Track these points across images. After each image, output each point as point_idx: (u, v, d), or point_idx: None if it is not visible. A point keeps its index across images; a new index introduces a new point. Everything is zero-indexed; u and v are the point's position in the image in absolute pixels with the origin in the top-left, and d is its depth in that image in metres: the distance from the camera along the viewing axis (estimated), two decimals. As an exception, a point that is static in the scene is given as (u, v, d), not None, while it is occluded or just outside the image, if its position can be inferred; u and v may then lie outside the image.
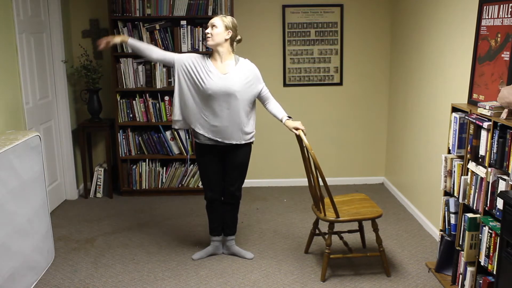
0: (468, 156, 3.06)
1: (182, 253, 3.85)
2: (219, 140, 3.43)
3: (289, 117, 3.46)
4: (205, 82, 3.34)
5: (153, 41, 4.80)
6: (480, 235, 2.91)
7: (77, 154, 5.11)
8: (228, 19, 3.39)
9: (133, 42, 3.49)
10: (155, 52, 3.46)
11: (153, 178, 5.06)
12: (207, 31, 3.38)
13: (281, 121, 3.46)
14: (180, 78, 3.43)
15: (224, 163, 3.56)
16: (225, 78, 3.35)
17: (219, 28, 3.34)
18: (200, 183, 4.88)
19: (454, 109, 3.26)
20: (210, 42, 3.38)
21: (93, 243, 4.04)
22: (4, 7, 3.77)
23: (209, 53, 3.59)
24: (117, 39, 3.53)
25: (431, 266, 3.56)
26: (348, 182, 5.44)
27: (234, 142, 3.46)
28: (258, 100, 3.56)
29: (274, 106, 3.53)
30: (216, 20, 3.36)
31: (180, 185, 5.09)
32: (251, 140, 3.55)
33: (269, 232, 4.23)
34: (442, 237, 3.45)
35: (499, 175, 2.73)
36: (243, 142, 3.49)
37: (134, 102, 4.91)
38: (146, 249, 3.93)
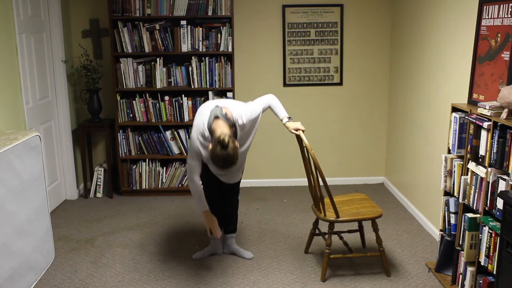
0: (468, 156, 3.06)
1: (182, 253, 3.85)
2: (223, 181, 3.54)
3: (289, 118, 3.36)
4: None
5: (153, 41, 4.80)
6: (480, 235, 2.91)
7: (77, 154, 5.11)
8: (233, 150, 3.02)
9: (206, 204, 3.43)
10: (201, 184, 3.37)
11: (153, 178, 5.06)
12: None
13: (282, 121, 3.38)
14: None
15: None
16: None
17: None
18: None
19: (454, 109, 3.26)
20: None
21: (93, 243, 4.04)
22: (4, 7, 3.77)
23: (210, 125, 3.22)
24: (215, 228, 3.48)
25: (431, 266, 3.56)
26: (348, 182, 5.44)
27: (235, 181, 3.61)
28: None
29: (275, 106, 3.40)
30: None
31: (180, 185, 5.09)
32: None
33: (269, 232, 4.23)
34: (442, 237, 3.45)
35: (499, 175, 2.73)
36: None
37: (134, 102, 4.91)
38: (146, 249, 3.93)
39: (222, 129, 3.07)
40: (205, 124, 3.17)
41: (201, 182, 3.36)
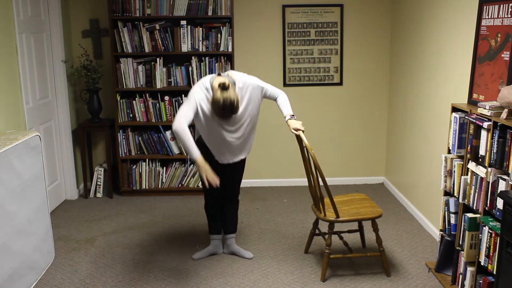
0: (468, 156, 3.06)
1: (182, 253, 3.85)
2: (225, 162, 3.50)
3: (293, 115, 3.38)
4: (213, 122, 3.32)
5: (153, 41, 4.80)
6: (480, 235, 2.91)
7: (77, 154, 5.11)
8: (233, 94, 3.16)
9: (197, 150, 3.19)
10: (187, 127, 3.16)
11: (153, 178, 5.06)
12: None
13: (285, 118, 3.40)
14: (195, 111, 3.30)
15: (224, 169, 3.58)
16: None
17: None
18: (200, 183, 4.88)
19: (454, 109, 3.26)
20: None
21: (93, 243, 4.04)
22: (4, 7, 3.77)
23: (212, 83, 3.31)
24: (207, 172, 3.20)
25: (431, 266, 3.56)
26: (348, 182, 5.44)
27: (240, 159, 3.55)
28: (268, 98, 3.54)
29: (281, 102, 3.45)
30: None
31: (180, 185, 5.09)
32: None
33: (269, 232, 4.23)
34: (442, 237, 3.45)
35: (499, 175, 2.73)
36: (246, 155, 3.59)
37: (134, 102, 4.91)
38: (146, 249, 3.93)
39: (222, 80, 3.25)
40: (207, 79, 3.33)
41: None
